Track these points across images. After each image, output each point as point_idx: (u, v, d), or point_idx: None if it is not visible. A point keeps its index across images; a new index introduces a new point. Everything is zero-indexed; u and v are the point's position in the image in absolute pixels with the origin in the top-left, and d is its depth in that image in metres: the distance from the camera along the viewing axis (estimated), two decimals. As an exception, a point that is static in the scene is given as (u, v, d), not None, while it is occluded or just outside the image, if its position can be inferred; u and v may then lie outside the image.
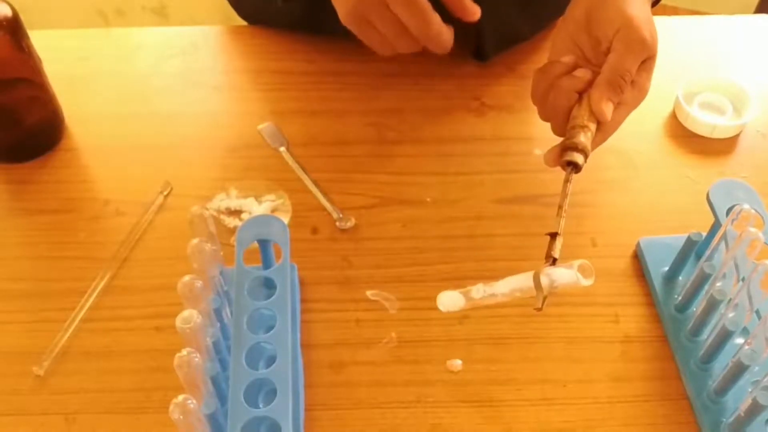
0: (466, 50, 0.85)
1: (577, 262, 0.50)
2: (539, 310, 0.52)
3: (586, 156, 0.56)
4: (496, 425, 0.59)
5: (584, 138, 0.56)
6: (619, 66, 0.58)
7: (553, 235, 0.53)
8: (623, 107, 0.59)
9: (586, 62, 0.61)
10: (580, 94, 0.59)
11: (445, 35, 0.64)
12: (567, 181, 0.56)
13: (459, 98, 0.82)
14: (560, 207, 0.55)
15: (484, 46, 0.83)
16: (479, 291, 0.53)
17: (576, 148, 0.56)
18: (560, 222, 0.54)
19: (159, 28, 0.90)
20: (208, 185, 0.73)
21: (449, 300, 0.55)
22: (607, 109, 0.57)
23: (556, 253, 0.52)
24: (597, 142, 0.59)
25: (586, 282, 0.50)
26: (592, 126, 0.57)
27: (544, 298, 0.51)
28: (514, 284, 0.52)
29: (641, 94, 0.60)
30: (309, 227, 0.70)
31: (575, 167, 0.56)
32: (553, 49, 0.63)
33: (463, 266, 0.68)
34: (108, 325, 0.64)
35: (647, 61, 0.59)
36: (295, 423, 0.56)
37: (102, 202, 0.72)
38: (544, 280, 0.51)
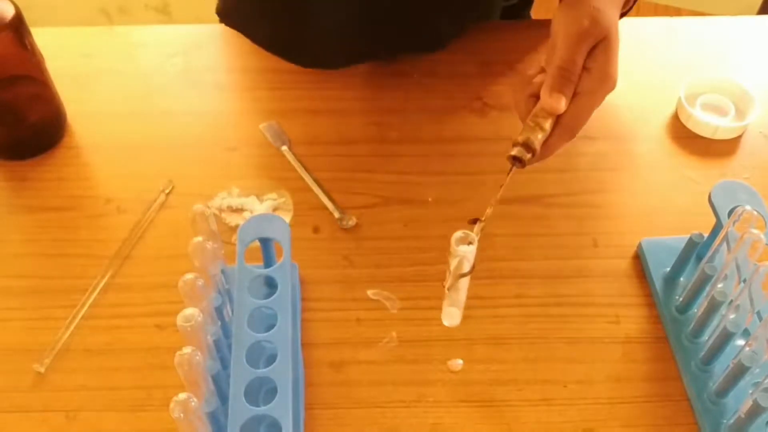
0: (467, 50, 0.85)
1: (457, 235, 0.53)
2: (448, 289, 0.55)
3: (530, 149, 0.57)
4: (496, 425, 0.59)
5: (531, 134, 0.57)
6: (561, 56, 0.57)
7: (474, 221, 0.55)
8: (584, 96, 0.58)
9: None
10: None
11: None
12: (507, 173, 0.57)
13: (461, 98, 0.82)
14: (495, 197, 0.57)
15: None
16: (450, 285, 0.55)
17: (517, 143, 0.57)
18: (487, 209, 0.56)
19: (162, 27, 0.90)
20: (210, 183, 0.73)
21: (448, 315, 0.58)
22: (555, 100, 0.57)
23: (475, 233, 0.54)
24: (560, 136, 0.58)
25: (470, 248, 0.53)
26: (545, 122, 0.57)
27: (459, 276, 0.54)
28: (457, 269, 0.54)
29: (604, 79, 0.58)
30: (310, 226, 0.70)
31: (519, 161, 0.57)
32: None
33: (464, 266, 0.68)
34: (109, 323, 0.64)
35: (600, 45, 0.58)
36: (296, 422, 0.56)
37: (104, 200, 0.72)
38: (452, 262, 0.54)
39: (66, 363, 0.61)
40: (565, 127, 0.58)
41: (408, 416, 0.59)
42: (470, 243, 0.53)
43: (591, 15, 0.58)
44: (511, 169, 0.58)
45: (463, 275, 0.54)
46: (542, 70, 0.61)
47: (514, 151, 0.57)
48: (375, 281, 0.66)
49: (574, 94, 0.58)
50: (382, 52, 0.83)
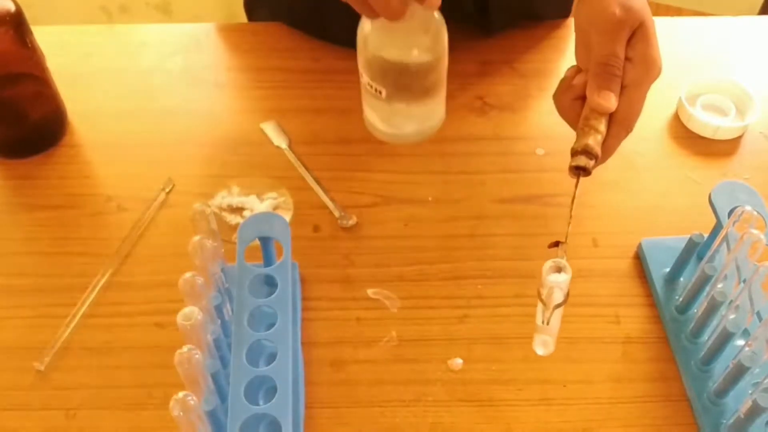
0: (468, 46, 0.85)
1: (548, 264, 0.51)
2: (546, 323, 0.52)
3: (591, 156, 0.54)
4: (496, 425, 0.59)
5: (591, 140, 0.54)
6: (599, 52, 0.55)
7: (556, 244, 0.52)
8: (632, 88, 0.55)
9: None
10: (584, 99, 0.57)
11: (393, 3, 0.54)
12: (575, 185, 0.55)
13: (461, 97, 0.81)
14: (569, 213, 0.54)
15: (490, 18, 0.83)
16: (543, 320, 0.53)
17: (577, 152, 0.54)
18: (567, 228, 0.53)
19: (162, 25, 0.90)
20: (210, 182, 0.73)
21: (541, 344, 0.55)
22: (604, 99, 0.54)
23: (560, 257, 0.51)
24: (617, 134, 0.55)
25: (563, 276, 0.50)
26: (599, 124, 0.55)
27: (555, 308, 0.51)
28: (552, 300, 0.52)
29: (649, 66, 0.55)
30: (310, 225, 0.70)
31: (583, 170, 0.54)
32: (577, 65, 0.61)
33: (464, 265, 0.68)
34: (109, 321, 0.64)
35: (637, 32, 0.55)
36: (295, 421, 0.56)
37: (104, 199, 0.72)
38: (544, 292, 0.51)
39: (66, 361, 0.61)
40: (620, 123, 0.55)
41: (407, 415, 0.59)
42: (560, 271, 0.50)
43: (620, 3, 0.55)
44: (577, 181, 0.54)
45: (558, 306, 0.51)
46: (578, 71, 0.58)
47: (575, 161, 0.54)
48: (375, 280, 0.66)
49: (622, 87, 0.55)
50: None
